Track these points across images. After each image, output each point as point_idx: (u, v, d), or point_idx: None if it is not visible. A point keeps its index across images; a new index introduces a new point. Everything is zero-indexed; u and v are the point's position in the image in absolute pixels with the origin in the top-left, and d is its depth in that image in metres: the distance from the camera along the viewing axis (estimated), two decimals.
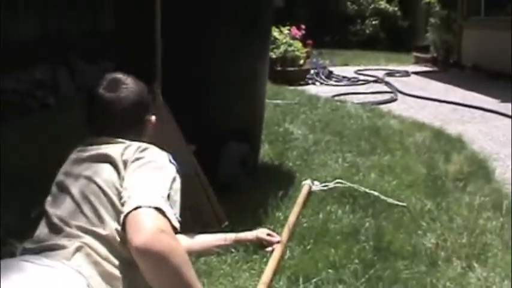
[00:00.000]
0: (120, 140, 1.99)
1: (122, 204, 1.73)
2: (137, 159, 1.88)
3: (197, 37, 3.44)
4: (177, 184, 1.89)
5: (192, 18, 3.44)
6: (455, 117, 7.43)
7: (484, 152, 5.12)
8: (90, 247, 1.74)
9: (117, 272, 1.73)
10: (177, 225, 1.72)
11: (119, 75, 2.15)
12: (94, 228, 1.78)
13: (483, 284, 2.52)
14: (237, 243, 2.72)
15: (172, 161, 1.96)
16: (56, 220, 1.85)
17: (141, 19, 3.39)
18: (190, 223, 2.37)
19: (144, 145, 1.98)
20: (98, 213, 1.81)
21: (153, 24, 3.17)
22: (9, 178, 3.71)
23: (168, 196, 1.77)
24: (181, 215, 1.80)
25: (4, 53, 6.85)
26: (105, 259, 1.73)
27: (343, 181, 3.70)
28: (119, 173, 1.86)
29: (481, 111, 7.73)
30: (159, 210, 1.68)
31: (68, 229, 1.81)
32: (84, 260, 1.71)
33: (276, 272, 2.46)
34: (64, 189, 1.92)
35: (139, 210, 1.66)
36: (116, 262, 1.74)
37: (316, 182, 3.64)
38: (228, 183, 3.43)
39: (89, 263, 1.71)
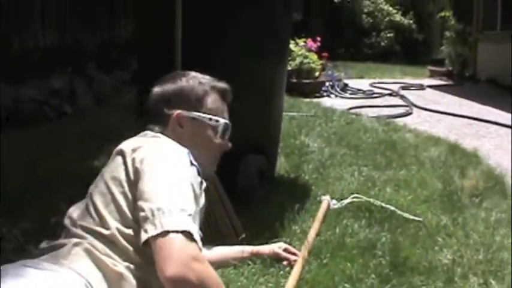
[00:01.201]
0: (145, 132, 2.02)
1: (143, 219, 1.69)
2: (148, 154, 1.86)
3: (215, 49, 3.46)
4: (197, 189, 1.86)
5: (210, 30, 3.46)
6: (471, 131, 7.41)
7: (500, 167, 5.10)
8: (90, 244, 1.75)
9: (123, 271, 1.72)
10: (200, 244, 1.69)
11: (180, 71, 2.24)
12: (96, 228, 1.79)
13: None
14: (254, 256, 2.72)
15: (190, 158, 1.93)
16: (67, 221, 1.88)
17: (161, 28, 3.42)
18: (208, 235, 2.37)
19: (156, 139, 1.99)
20: (100, 212, 1.81)
21: (173, 34, 3.20)
22: (26, 185, 3.75)
23: (194, 213, 1.74)
24: (200, 228, 1.79)
25: (21, 62, 6.92)
26: (107, 256, 1.73)
27: (360, 195, 3.70)
28: (126, 168, 1.85)
29: (496, 126, 7.71)
30: (187, 233, 1.65)
31: (73, 229, 1.83)
32: (83, 257, 1.72)
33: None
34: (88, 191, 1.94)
35: (167, 237, 1.63)
36: (120, 261, 1.74)
37: (333, 201, 3.61)
38: (245, 195, 3.44)
39: (87, 260, 1.72)
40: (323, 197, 3.62)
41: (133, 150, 1.89)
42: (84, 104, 7.95)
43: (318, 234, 3.06)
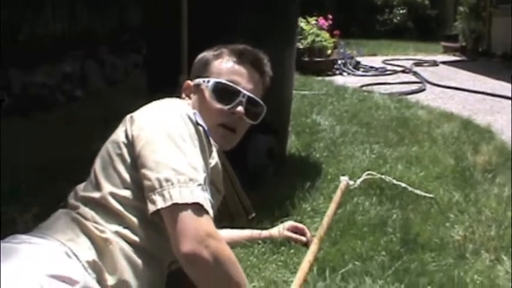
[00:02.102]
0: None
1: (150, 189, 1.66)
2: (148, 118, 1.83)
3: (223, 29, 3.44)
4: (204, 149, 1.82)
5: (218, 9, 3.44)
6: (484, 107, 7.35)
7: None
8: (79, 213, 1.74)
9: (109, 236, 1.70)
10: (211, 211, 1.68)
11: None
12: (89, 194, 1.78)
13: None
14: (263, 239, 2.68)
15: (197, 118, 1.86)
16: (70, 195, 1.88)
17: (168, 12, 3.41)
18: (217, 214, 2.37)
19: (161, 101, 1.95)
20: (97, 177, 1.80)
21: (180, 17, 3.19)
22: (38, 171, 3.77)
23: (204, 180, 1.71)
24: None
25: (32, 47, 6.93)
26: (94, 223, 1.72)
27: (373, 173, 3.68)
28: (126, 130, 1.82)
29: (510, 101, 7.64)
30: (198, 205, 1.64)
31: (71, 201, 1.83)
32: (68, 226, 1.71)
33: (311, 268, 2.44)
34: None
35: (179, 211, 1.62)
36: (108, 226, 1.72)
37: (351, 182, 3.56)
38: (254, 174, 3.43)
39: (73, 228, 1.70)
40: (341, 178, 3.55)
41: (135, 114, 1.87)
42: (96, 87, 7.96)
43: (335, 214, 3.04)
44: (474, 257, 2.66)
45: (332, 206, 3.09)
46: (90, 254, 1.67)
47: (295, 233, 2.71)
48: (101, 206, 1.75)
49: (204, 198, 1.67)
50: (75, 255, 1.64)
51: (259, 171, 3.53)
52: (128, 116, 1.87)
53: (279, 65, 3.80)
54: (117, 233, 1.72)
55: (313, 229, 2.84)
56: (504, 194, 3.51)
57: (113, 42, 8.87)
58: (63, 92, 7.18)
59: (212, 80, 2.06)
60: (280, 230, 2.71)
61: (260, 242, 2.65)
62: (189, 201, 1.63)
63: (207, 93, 2.05)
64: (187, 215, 1.62)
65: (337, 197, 3.24)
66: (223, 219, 2.71)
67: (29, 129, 5.15)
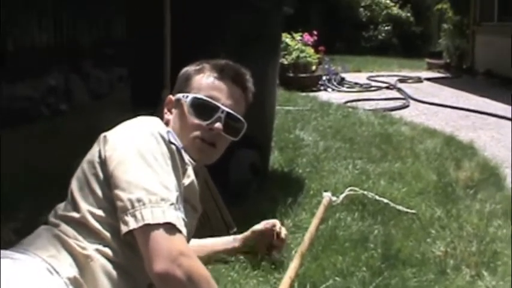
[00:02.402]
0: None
1: (122, 210, 1.66)
2: (119, 137, 1.82)
3: (205, 43, 3.45)
4: (176, 168, 1.81)
5: (200, 25, 3.44)
6: (467, 123, 7.41)
7: (495, 159, 5.10)
8: (60, 230, 1.73)
9: (91, 253, 1.70)
10: (184, 230, 1.67)
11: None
12: (69, 214, 1.77)
13: None
14: (243, 243, 2.67)
15: (170, 136, 1.85)
16: (50, 214, 1.87)
17: (150, 26, 3.42)
18: (199, 229, 2.36)
19: (134, 120, 1.93)
20: (74, 196, 1.79)
21: (162, 33, 3.19)
22: (21, 184, 3.74)
23: (177, 199, 1.71)
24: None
25: (17, 60, 6.90)
26: (75, 240, 1.71)
27: (355, 188, 3.68)
28: (99, 150, 1.81)
29: (493, 118, 7.70)
30: (170, 225, 1.64)
31: (51, 219, 1.82)
32: (49, 242, 1.70)
33: (292, 283, 2.43)
34: None
35: (151, 231, 1.62)
36: (89, 243, 1.71)
37: (333, 198, 3.55)
38: (237, 189, 3.43)
39: (55, 245, 1.70)
40: (324, 193, 3.54)
41: (109, 134, 1.85)
42: (81, 101, 7.93)
43: (317, 230, 3.03)
44: (455, 272, 2.67)
45: (314, 222, 3.08)
46: (72, 271, 1.66)
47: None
48: (81, 225, 1.74)
49: (177, 217, 1.66)
50: (57, 272, 1.63)
51: (241, 186, 3.52)
52: (102, 136, 1.86)
53: (262, 80, 3.81)
54: (97, 250, 1.71)
55: (295, 245, 2.83)
56: (485, 210, 3.53)
57: (98, 56, 8.85)
58: (48, 105, 7.15)
59: (190, 96, 2.05)
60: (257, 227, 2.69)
61: (241, 257, 2.64)
62: (161, 221, 1.63)
63: (186, 108, 2.04)
64: (159, 235, 1.61)
65: (319, 212, 3.24)
66: (204, 234, 2.71)
67: (13, 142, 5.11)
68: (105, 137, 1.84)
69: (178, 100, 2.09)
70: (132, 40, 3.94)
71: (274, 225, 2.69)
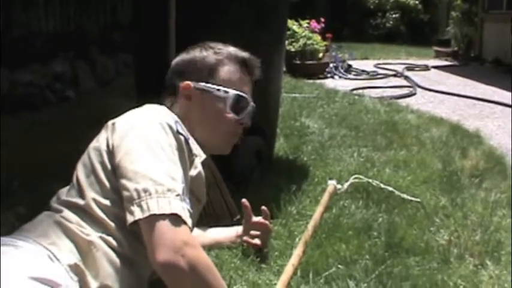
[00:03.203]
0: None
1: (128, 199, 1.66)
2: (126, 124, 1.83)
3: (210, 28, 3.44)
4: (183, 158, 1.83)
5: (206, 9, 3.43)
6: (474, 112, 7.38)
7: (501, 148, 5.09)
8: (63, 217, 1.73)
9: (94, 239, 1.70)
10: (190, 221, 1.67)
11: (204, 43, 2.17)
12: (73, 200, 1.77)
13: (495, 281, 2.49)
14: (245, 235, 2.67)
15: (178, 127, 1.87)
16: (52, 199, 1.87)
17: (156, 11, 3.40)
18: (202, 216, 2.36)
19: (140, 109, 1.93)
20: (80, 183, 1.79)
21: (167, 17, 3.18)
22: (27, 171, 3.75)
23: (183, 190, 1.71)
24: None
25: (24, 46, 6.91)
26: (79, 226, 1.71)
27: (360, 176, 3.68)
28: (107, 138, 1.82)
29: (500, 107, 7.67)
30: (175, 216, 1.63)
31: (53, 205, 1.82)
32: (51, 228, 1.70)
33: (296, 270, 2.44)
34: None
35: (156, 222, 1.61)
36: (93, 231, 1.72)
37: (338, 185, 3.54)
38: (241, 176, 3.43)
39: (56, 231, 1.70)
40: (329, 181, 3.55)
41: (117, 121, 1.86)
42: (87, 88, 7.94)
43: (321, 218, 3.03)
44: (458, 261, 2.66)
45: (319, 209, 3.09)
46: (73, 258, 1.66)
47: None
48: (85, 212, 1.75)
49: (182, 208, 1.66)
50: (57, 259, 1.64)
51: (246, 172, 3.52)
52: (110, 123, 1.86)
53: (268, 67, 3.80)
54: (101, 238, 1.72)
55: (299, 232, 2.84)
56: (490, 199, 3.51)
57: (104, 42, 8.85)
58: (54, 92, 7.16)
59: (232, 92, 2.08)
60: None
61: (244, 244, 2.64)
62: (167, 211, 1.62)
63: (227, 104, 2.07)
64: (164, 225, 1.61)
65: (324, 200, 3.24)
66: (208, 221, 2.71)
67: (19, 129, 5.13)
68: (113, 124, 1.85)
69: (205, 90, 2.08)
70: (137, 26, 3.93)
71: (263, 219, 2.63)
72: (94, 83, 8.24)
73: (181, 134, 1.86)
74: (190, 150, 1.90)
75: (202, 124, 2.03)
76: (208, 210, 2.91)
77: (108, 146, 1.80)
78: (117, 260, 1.72)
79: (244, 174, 3.50)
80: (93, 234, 1.71)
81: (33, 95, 6.67)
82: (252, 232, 2.60)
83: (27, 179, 3.59)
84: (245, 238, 2.59)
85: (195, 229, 2.26)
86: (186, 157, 1.85)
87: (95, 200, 1.75)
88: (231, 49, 2.18)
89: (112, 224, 1.74)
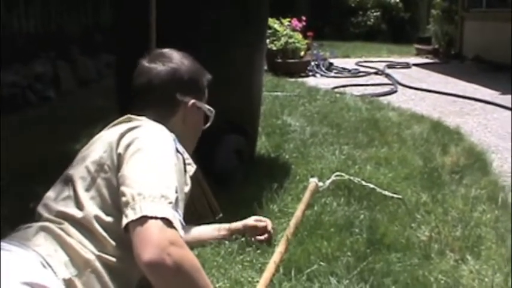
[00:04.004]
0: (138, 117, 1.97)
1: (124, 204, 1.66)
2: (133, 140, 1.82)
3: (192, 28, 3.44)
4: (181, 177, 1.87)
5: (187, 9, 3.43)
6: (455, 109, 7.43)
7: (482, 145, 5.13)
8: (62, 229, 1.73)
9: (91, 258, 1.71)
10: (182, 232, 1.65)
11: (168, 50, 2.16)
12: (72, 213, 1.76)
13: (476, 276, 2.52)
14: (231, 233, 2.72)
15: (177, 145, 1.91)
16: (41, 207, 1.85)
17: (137, 11, 3.40)
18: (185, 214, 2.36)
19: (139, 123, 1.93)
20: (79, 198, 1.78)
21: (148, 16, 3.18)
22: (9, 172, 3.73)
23: (176, 200, 1.70)
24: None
25: (5, 47, 6.87)
26: (77, 242, 1.71)
27: (342, 173, 3.69)
28: (111, 154, 1.82)
29: (481, 104, 7.73)
30: (166, 220, 1.62)
31: (46, 215, 1.80)
32: (47, 240, 1.70)
33: (278, 267, 2.45)
34: (64, 174, 1.91)
35: (146, 223, 1.59)
36: (92, 248, 1.72)
37: (320, 183, 3.56)
38: (223, 175, 3.43)
39: (52, 243, 1.70)
40: (311, 179, 3.56)
41: (119, 137, 1.85)
42: (68, 88, 7.91)
43: (303, 215, 3.05)
44: (439, 257, 2.69)
45: (300, 207, 3.10)
46: (67, 272, 1.66)
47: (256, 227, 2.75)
48: (85, 228, 1.74)
49: (173, 216, 1.65)
50: (50, 267, 1.64)
51: (228, 172, 3.53)
52: (115, 140, 1.85)
53: (249, 66, 3.82)
54: (99, 257, 1.72)
55: (281, 230, 2.85)
56: (471, 195, 3.54)
57: (85, 42, 8.82)
58: (35, 93, 7.13)
59: (213, 111, 2.22)
60: (244, 221, 2.76)
61: (226, 242, 2.65)
62: (159, 215, 1.61)
63: (203, 119, 2.22)
64: (154, 225, 1.59)
65: (305, 197, 3.25)
66: (190, 220, 2.71)
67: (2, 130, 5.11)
68: (118, 142, 1.84)
69: (200, 109, 2.20)
70: (118, 26, 3.92)
71: (267, 225, 2.76)
72: (75, 83, 8.20)
73: (180, 153, 1.90)
74: (185, 168, 1.95)
75: (187, 135, 2.11)
76: (191, 210, 2.92)
77: (112, 161, 1.81)
78: (109, 282, 1.73)
79: (225, 173, 3.50)
80: (91, 253, 1.71)
81: (14, 95, 6.63)
82: (258, 237, 2.73)
83: (8, 180, 3.58)
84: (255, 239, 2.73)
85: None
86: (183, 175, 1.91)
87: (96, 217, 1.75)
88: (188, 60, 2.22)
89: (112, 243, 1.74)
